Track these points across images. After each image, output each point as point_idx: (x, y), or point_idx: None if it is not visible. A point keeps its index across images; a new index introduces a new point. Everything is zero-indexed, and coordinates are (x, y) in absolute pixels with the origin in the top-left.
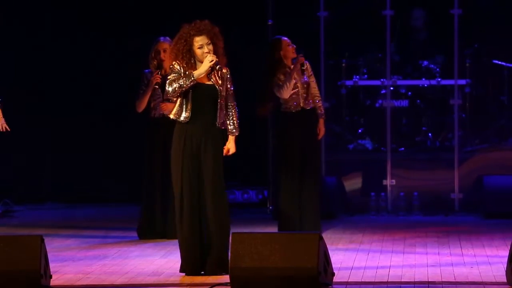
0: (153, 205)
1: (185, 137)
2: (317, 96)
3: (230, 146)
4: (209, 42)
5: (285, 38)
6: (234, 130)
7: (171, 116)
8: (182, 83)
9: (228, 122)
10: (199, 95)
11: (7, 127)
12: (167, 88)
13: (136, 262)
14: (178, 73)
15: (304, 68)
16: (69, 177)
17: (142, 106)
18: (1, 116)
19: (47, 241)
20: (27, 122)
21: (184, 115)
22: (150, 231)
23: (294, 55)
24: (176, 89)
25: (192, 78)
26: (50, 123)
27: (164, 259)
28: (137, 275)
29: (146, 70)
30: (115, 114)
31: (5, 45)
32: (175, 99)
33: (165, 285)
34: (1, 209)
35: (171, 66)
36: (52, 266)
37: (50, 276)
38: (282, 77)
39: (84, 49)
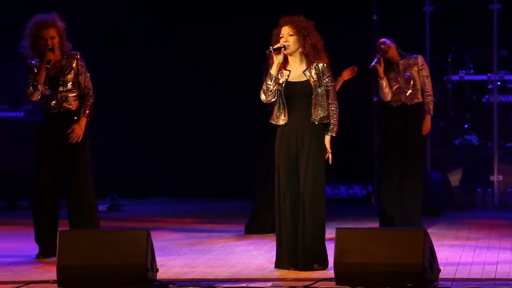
0: (264, 202)
1: (282, 138)
2: (427, 92)
3: (326, 145)
4: (292, 33)
5: (382, 40)
6: (329, 131)
7: (272, 122)
8: (267, 87)
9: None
10: (292, 95)
11: (78, 139)
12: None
13: (241, 256)
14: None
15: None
16: (176, 173)
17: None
18: (82, 127)
19: (153, 235)
20: (136, 123)
21: (281, 118)
22: (260, 226)
23: (396, 55)
24: (266, 92)
25: (273, 77)
26: (163, 122)
27: (269, 254)
28: (242, 269)
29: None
30: (223, 111)
31: (114, 46)
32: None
33: (270, 279)
34: (109, 203)
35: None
36: (158, 260)
37: (157, 270)
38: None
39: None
